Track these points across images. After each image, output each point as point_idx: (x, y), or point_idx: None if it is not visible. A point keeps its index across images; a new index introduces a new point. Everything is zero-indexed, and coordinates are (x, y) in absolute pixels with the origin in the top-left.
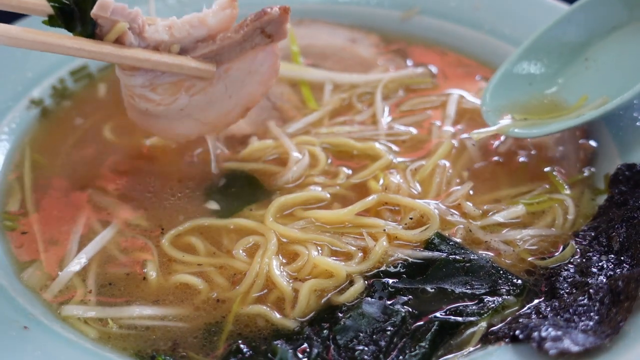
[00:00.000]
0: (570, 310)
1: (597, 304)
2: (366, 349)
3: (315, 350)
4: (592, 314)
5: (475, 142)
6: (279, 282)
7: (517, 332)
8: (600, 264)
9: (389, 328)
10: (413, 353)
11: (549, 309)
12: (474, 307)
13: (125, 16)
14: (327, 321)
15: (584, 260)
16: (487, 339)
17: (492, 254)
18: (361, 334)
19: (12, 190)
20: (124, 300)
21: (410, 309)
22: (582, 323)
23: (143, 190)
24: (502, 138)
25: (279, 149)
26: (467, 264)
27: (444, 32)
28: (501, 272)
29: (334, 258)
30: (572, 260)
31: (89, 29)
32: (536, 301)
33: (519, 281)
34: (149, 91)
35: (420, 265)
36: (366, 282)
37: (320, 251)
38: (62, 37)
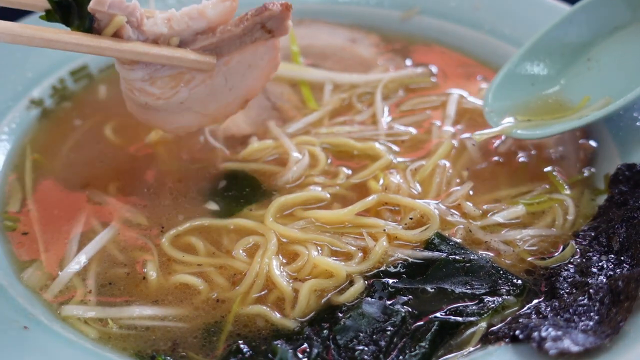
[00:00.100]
0: (570, 310)
1: (597, 304)
2: (366, 349)
3: (315, 350)
4: (592, 314)
5: (476, 142)
6: (279, 282)
7: (517, 332)
8: (600, 264)
9: (389, 328)
10: (413, 353)
11: (549, 309)
12: (474, 307)
13: (123, 9)
14: (327, 321)
15: (584, 260)
16: (487, 339)
17: (492, 254)
18: (361, 334)
19: (13, 190)
20: (124, 300)
21: (410, 309)
22: (582, 323)
23: (143, 190)
24: (503, 138)
25: (279, 149)
26: (467, 264)
27: (444, 32)
28: (501, 272)
29: (334, 258)
30: (572, 260)
31: (87, 23)
32: (536, 301)
33: (519, 281)
34: (149, 85)
35: (420, 265)
36: (366, 282)
37: (320, 251)
38: (59, 32)
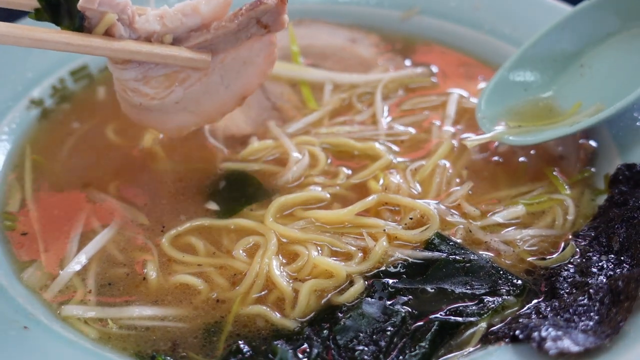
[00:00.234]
0: (570, 310)
1: (597, 304)
2: (366, 349)
3: (315, 351)
4: (592, 314)
5: (473, 147)
6: (279, 282)
7: (517, 332)
8: (600, 264)
9: (389, 328)
10: (413, 353)
11: (549, 309)
12: (474, 307)
13: (114, 7)
14: (327, 321)
15: (584, 260)
16: (487, 339)
17: (492, 254)
18: (361, 334)
19: (12, 190)
20: (124, 301)
21: (410, 309)
22: (582, 323)
23: (143, 190)
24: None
25: (279, 149)
26: (467, 264)
27: (444, 32)
28: (501, 272)
29: (334, 258)
30: (572, 260)
31: (77, 22)
32: (536, 301)
33: (519, 281)
34: (142, 84)
35: (420, 265)
36: (366, 282)
37: (320, 251)
38: (49, 31)
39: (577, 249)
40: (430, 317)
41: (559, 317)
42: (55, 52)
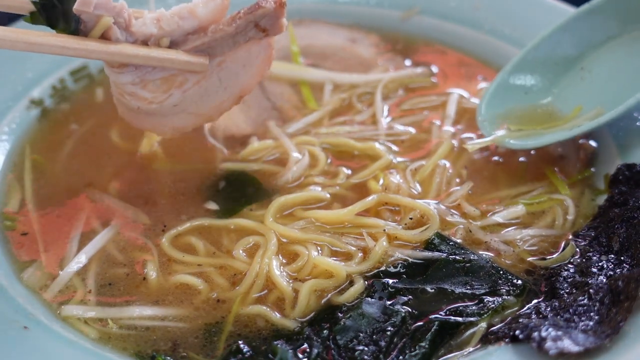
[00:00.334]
0: (570, 310)
1: (597, 304)
2: (366, 349)
3: (315, 351)
4: (592, 314)
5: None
6: (279, 282)
7: (517, 332)
8: (600, 264)
9: (389, 328)
10: (413, 353)
11: (549, 309)
12: (474, 308)
13: (110, 10)
14: (327, 321)
15: (584, 260)
16: (487, 339)
17: (492, 254)
18: (361, 334)
19: (12, 190)
20: (124, 301)
21: (410, 309)
22: (582, 323)
23: (143, 190)
24: None
25: (278, 149)
26: (467, 264)
27: (444, 32)
28: (501, 272)
29: (334, 258)
30: (572, 260)
31: (73, 25)
32: (536, 301)
33: (519, 281)
34: (140, 88)
35: (420, 265)
36: (366, 282)
37: (320, 251)
38: (44, 35)
39: (577, 249)
40: (430, 317)
41: (559, 317)
42: None
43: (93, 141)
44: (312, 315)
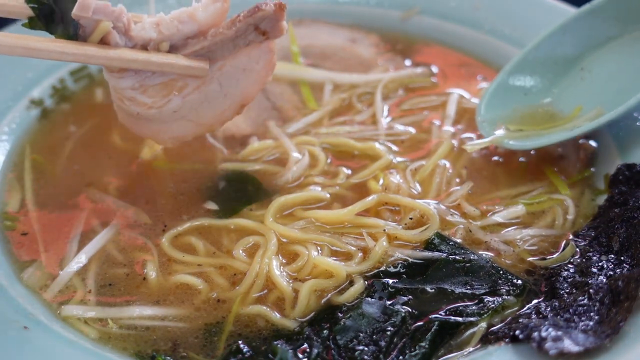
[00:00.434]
0: (570, 310)
1: (597, 304)
2: (366, 349)
3: (315, 351)
4: (592, 314)
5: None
6: (279, 282)
7: (517, 332)
8: (600, 264)
9: (389, 328)
10: (413, 353)
11: (549, 309)
12: (474, 307)
13: (109, 15)
14: (327, 321)
15: (584, 260)
16: (487, 339)
17: (492, 254)
18: (361, 334)
19: (12, 190)
20: (124, 301)
21: (410, 309)
22: (582, 323)
23: (143, 189)
24: None
25: (278, 149)
26: (467, 264)
27: (444, 32)
28: (501, 272)
29: (334, 258)
30: (572, 260)
31: (71, 30)
32: (536, 301)
33: (519, 281)
34: (140, 93)
35: (420, 265)
36: (366, 282)
37: (320, 251)
38: (43, 40)
39: (577, 249)
40: (430, 317)
41: (559, 317)
42: None
43: (93, 141)
44: (312, 315)
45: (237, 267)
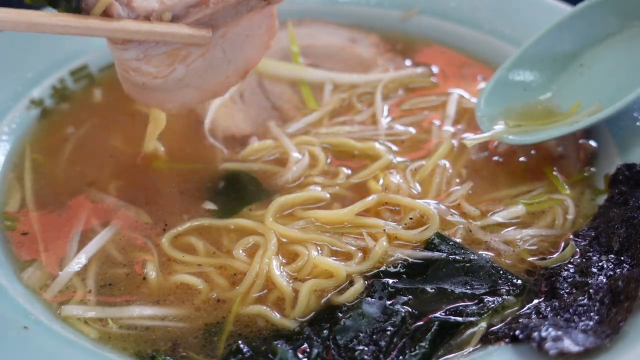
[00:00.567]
0: (570, 310)
1: (597, 304)
2: (366, 349)
3: (315, 351)
4: (592, 314)
5: (472, 146)
6: (279, 282)
7: (517, 332)
8: (600, 264)
9: (389, 328)
10: (413, 353)
11: (549, 309)
12: (474, 307)
13: None
14: (327, 321)
15: (584, 260)
16: (487, 339)
17: (492, 254)
18: (361, 334)
19: (12, 190)
20: (124, 301)
21: (410, 309)
22: (582, 323)
23: (143, 189)
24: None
25: (278, 149)
26: (467, 264)
27: (444, 32)
28: (501, 272)
29: (334, 258)
30: (572, 260)
31: (74, 3)
32: (536, 301)
33: (519, 281)
34: (144, 64)
35: (420, 265)
36: (366, 282)
37: (320, 251)
38: (46, 15)
39: (577, 249)
40: (430, 317)
41: (559, 317)
42: (55, 51)
43: (93, 141)
44: (312, 315)
45: (237, 267)
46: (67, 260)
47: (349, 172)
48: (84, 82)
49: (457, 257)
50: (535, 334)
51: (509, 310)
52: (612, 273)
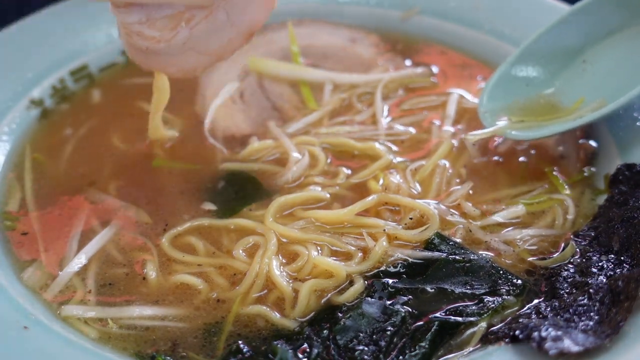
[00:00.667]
0: (570, 310)
1: (597, 304)
2: (366, 349)
3: (315, 351)
4: (592, 314)
5: (475, 142)
6: (279, 282)
7: (517, 332)
8: (600, 264)
9: (389, 328)
10: (413, 353)
11: (549, 309)
12: (474, 307)
13: None
14: (327, 321)
15: (584, 260)
16: (487, 339)
17: (492, 254)
18: (361, 334)
19: (12, 190)
20: (124, 301)
21: (410, 309)
22: (582, 323)
23: (143, 189)
24: (502, 138)
25: (278, 149)
26: (467, 264)
27: (444, 32)
28: (501, 272)
29: (334, 258)
30: (572, 260)
31: None
32: (536, 301)
33: (519, 281)
34: (147, 27)
35: (420, 265)
36: (366, 282)
37: (320, 251)
38: None
39: (577, 249)
40: (430, 317)
41: (559, 317)
42: (56, 51)
43: (93, 141)
44: (312, 315)
45: (237, 267)
46: (67, 260)
47: (349, 172)
48: (84, 82)
49: (457, 257)
50: (535, 334)
51: (509, 310)
52: (612, 273)
